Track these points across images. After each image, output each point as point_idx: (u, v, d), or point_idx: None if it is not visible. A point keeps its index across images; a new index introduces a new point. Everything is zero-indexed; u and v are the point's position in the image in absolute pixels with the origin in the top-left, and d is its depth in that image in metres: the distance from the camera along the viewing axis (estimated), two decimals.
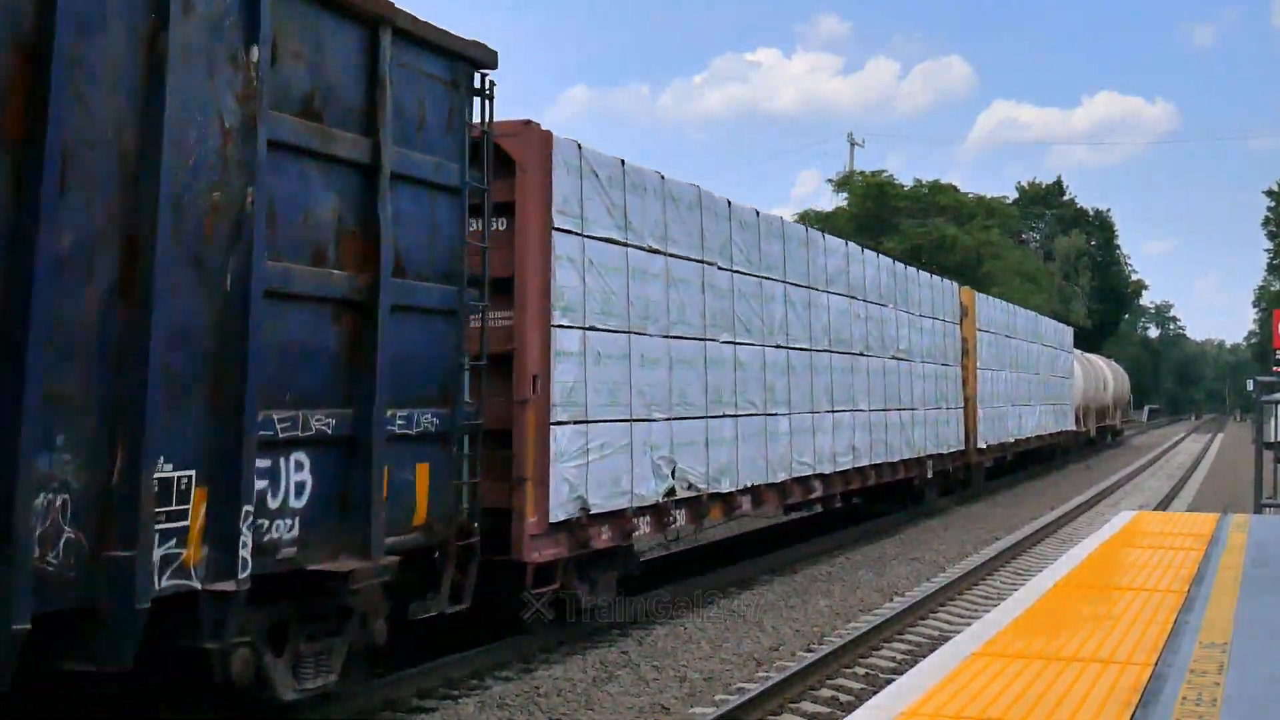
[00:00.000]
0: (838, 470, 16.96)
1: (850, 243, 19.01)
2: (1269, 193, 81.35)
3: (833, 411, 16.71)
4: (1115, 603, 7.27)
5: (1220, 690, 5.22)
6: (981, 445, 25.39)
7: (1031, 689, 5.24)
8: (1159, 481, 32.76)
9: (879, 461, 18.83)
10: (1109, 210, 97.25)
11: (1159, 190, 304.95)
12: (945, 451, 22.75)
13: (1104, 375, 50.12)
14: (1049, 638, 6.29)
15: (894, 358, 19.84)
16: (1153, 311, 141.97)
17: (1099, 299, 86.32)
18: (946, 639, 10.17)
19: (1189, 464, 40.53)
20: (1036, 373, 32.01)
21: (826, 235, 17.79)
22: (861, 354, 18.21)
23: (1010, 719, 4.82)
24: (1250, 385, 28.04)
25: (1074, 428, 38.72)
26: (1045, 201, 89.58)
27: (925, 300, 22.14)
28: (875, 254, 19.82)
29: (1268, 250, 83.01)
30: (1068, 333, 39.62)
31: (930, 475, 22.00)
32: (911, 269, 22.32)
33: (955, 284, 24.78)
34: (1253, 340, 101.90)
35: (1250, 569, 8.68)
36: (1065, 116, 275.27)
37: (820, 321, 16.56)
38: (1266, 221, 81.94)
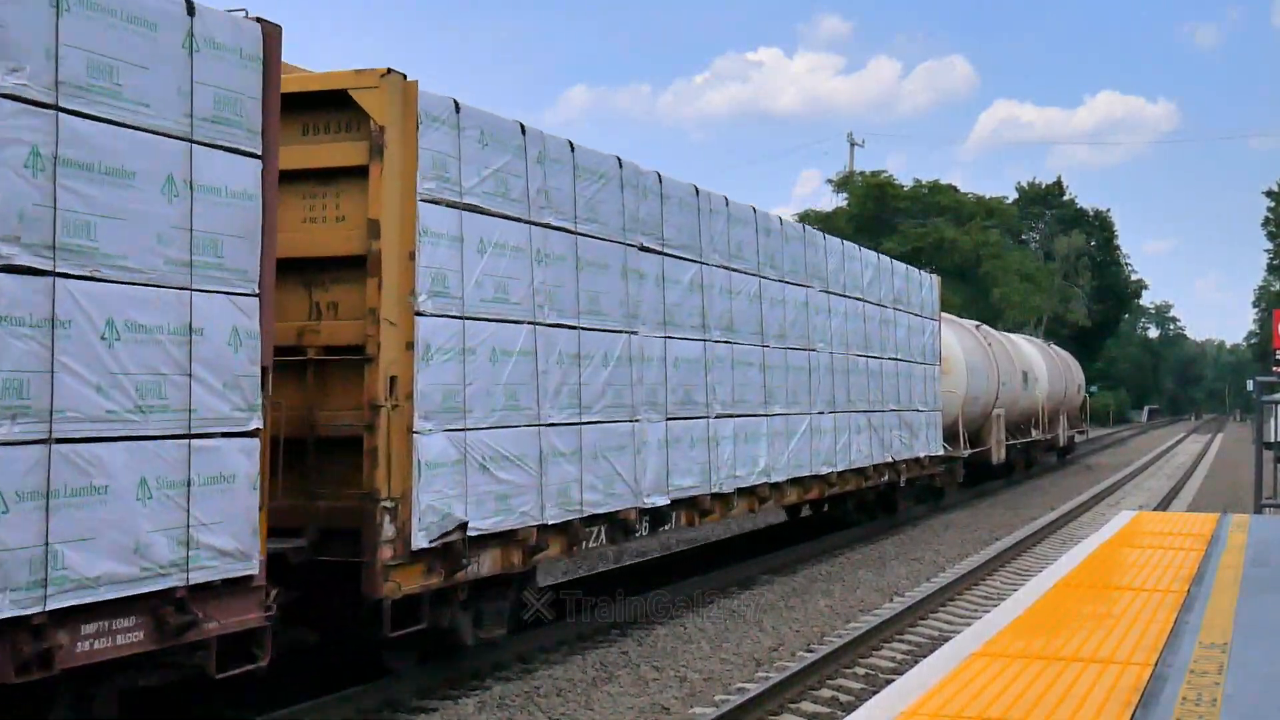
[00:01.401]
0: None
1: None
2: (1269, 193, 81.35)
3: None
4: (1115, 603, 7.27)
5: (1220, 690, 5.22)
6: (418, 544, 8.60)
7: (1032, 689, 5.24)
8: (1159, 482, 32.74)
9: None
10: (1109, 210, 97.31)
11: (1159, 190, 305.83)
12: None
13: (1027, 364, 31.91)
14: (1049, 638, 6.28)
15: None
16: (1153, 312, 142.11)
17: (1099, 299, 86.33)
18: (947, 639, 10.17)
19: (1189, 464, 40.53)
20: (811, 349, 15.61)
21: None
22: None
23: (1011, 719, 4.81)
24: (1250, 385, 27.93)
25: (940, 452, 21.64)
26: (1045, 201, 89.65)
27: None
28: None
29: (1268, 251, 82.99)
30: (924, 284, 21.27)
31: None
32: None
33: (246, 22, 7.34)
34: (1253, 340, 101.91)
35: (1250, 569, 8.68)
36: (1067, 116, 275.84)
37: None
38: (1266, 222, 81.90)
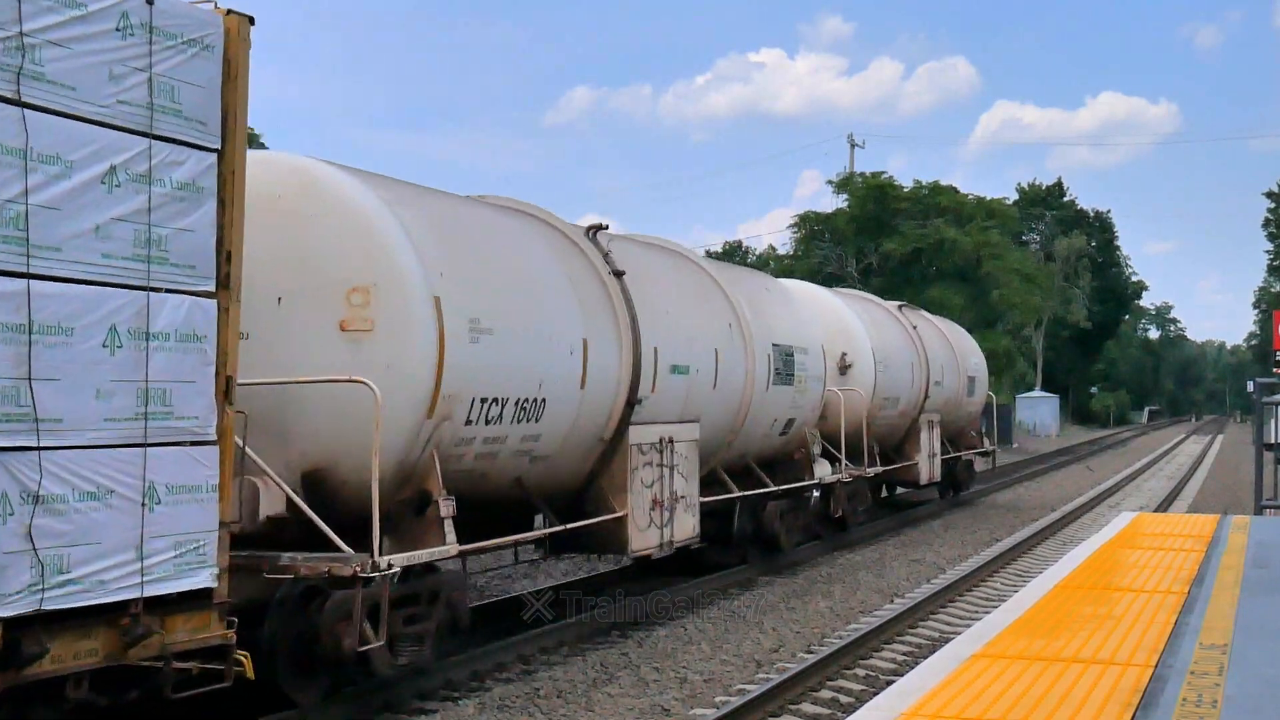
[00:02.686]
0: None
1: None
2: (1269, 194, 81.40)
3: None
4: (1116, 604, 7.26)
5: (1220, 691, 5.22)
6: None
7: (1032, 690, 5.23)
8: (1160, 483, 32.74)
9: None
10: (1109, 211, 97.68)
11: (1160, 191, 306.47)
12: None
13: (799, 336, 15.24)
14: (1049, 639, 6.28)
15: None
16: (1153, 313, 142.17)
17: (1099, 300, 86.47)
18: (947, 640, 10.17)
19: (1189, 465, 40.54)
20: None
21: None
22: None
23: None
24: (1250, 386, 27.91)
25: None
26: (1045, 203, 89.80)
27: None
28: None
29: (1268, 252, 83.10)
30: None
31: None
32: None
33: None
34: (1253, 342, 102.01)
35: (1250, 570, 8.68)
36: (1068, 117, 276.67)
37: None
38: (1267, 223, 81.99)
